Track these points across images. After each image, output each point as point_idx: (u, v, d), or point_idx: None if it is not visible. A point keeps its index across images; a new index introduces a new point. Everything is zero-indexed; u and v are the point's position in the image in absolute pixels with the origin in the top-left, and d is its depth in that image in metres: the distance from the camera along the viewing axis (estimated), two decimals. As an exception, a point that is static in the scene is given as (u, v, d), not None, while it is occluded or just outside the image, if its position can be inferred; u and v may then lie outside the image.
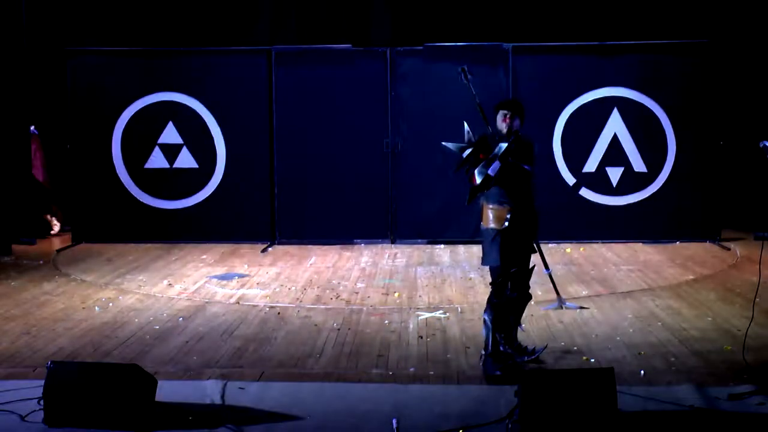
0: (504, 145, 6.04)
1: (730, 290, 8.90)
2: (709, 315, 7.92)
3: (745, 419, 5.42)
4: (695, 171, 11.72)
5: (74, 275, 9.95)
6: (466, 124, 6.36)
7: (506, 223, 6.19)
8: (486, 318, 6.26)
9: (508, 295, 6.25)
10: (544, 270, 7.11)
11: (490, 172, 6.03)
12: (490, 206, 6.27)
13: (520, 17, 12.43)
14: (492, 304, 6.25)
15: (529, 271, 6.38)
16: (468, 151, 6.18)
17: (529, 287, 6.43)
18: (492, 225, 6.26)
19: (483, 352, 6.31)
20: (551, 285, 8.13)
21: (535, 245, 6.63)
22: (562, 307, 7.37)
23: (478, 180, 6.07)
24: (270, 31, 12.42)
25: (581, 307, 7.99)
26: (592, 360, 6.63)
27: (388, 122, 11.80)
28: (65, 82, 12.03)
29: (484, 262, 6.40)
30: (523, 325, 6.66)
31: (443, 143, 6.47)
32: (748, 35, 12.10)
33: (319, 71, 11.91)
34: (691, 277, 9.64)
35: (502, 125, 6.28)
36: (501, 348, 6.19)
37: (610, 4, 12.38)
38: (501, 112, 6.29)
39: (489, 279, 9.22)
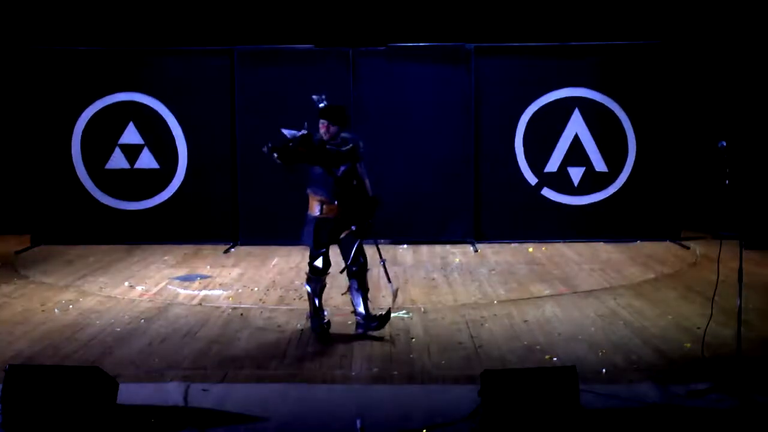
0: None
1: (690, 289, 9.01)
2: (670, 313, 8.01)
3: (704, 415, 5.49)
4: (655, 171, 11.86)
5: (33, 277, 9.82)
6: (306, 123, 7.21)
7: (318, 212, 7.19)
8: (308, 288, 7.39)
9: (322, 268, 7.32)
10: (379, 260, 7.43)
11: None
12: (314, 197, 7.26)
13: (482, 18, 12.48)
14: (310, 277, 7.38)
15: (359, 247, 7.32)
16: (293, 144, 7.13)
17: (362, 259, 7.33)
18: (313, 213, 7.26)
19: (309, 315, 7.46)
20: (514, 283, 8.17)
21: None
22: (394, 295, 7.48)
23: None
24: (232, 32, 12.34)
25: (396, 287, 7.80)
26: (555, 359, 6.68)
27: (351, 122, 11.76)
28: (24, 81, 11.87)
29: (301, 240, 7.43)
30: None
31: (282, 129, 7.29)
32: (707, 37, 12.25)
33: (282, 71, 11.85)
34: (652, 275, 9.75)
35: (322, 131, 7.25)
36: (321, 312, 7.43)
37: (572, 6, 12.47)
38: (320, 121, 7.28)
39: (451, 278, 9.27)
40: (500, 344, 7.07)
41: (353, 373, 6.38)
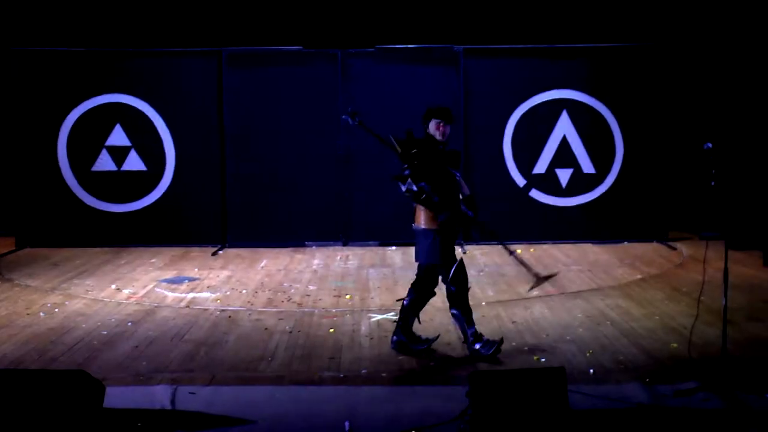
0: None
1: (676, 289, 9.04)
2: (657, 314, 8.04)
3: (690, 415, 5.51)
4: (642, 172, 11.90)
5: (18, 280, 9.76)
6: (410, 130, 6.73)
7: (438, 224, 6.60)
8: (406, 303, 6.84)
9: (451, 288, 6.72)
10: (511, 253, 7.35)
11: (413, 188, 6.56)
12: (424, 208, 6.61)
13: (471, 20, 12.50)
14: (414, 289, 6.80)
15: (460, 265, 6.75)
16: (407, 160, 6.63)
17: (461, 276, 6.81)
18: (425, 225, 6.63)
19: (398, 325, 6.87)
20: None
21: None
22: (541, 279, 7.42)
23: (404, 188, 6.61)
24: (220, 33, 12.32)
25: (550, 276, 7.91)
26: (543, 360, 6.69)
27: (340, 124, 11.77)
28: (9, 83, 11.82)
29: (422, 259, 6.74)
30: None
31: (390, 136, 6.86)
32: (694, 39, 12.29)
33: (270, 73, 11.85)
34: (639, 276, 9.78)
35: (435, 132, 6.62)
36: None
37: (561, 8, 12.50)
38: (435, 120, 6.62)
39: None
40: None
41: (342, 375, 6.37)
